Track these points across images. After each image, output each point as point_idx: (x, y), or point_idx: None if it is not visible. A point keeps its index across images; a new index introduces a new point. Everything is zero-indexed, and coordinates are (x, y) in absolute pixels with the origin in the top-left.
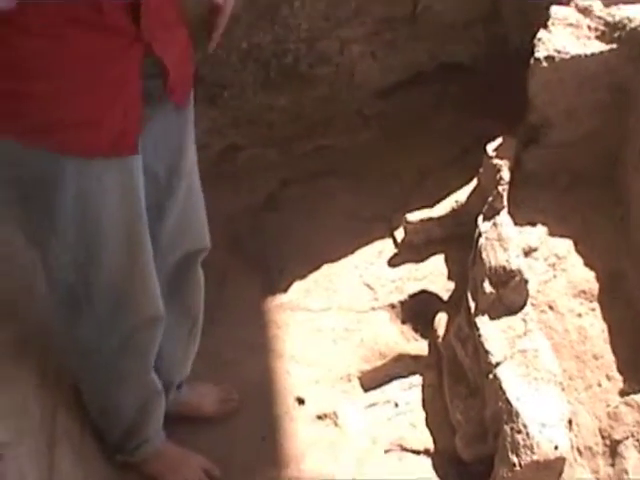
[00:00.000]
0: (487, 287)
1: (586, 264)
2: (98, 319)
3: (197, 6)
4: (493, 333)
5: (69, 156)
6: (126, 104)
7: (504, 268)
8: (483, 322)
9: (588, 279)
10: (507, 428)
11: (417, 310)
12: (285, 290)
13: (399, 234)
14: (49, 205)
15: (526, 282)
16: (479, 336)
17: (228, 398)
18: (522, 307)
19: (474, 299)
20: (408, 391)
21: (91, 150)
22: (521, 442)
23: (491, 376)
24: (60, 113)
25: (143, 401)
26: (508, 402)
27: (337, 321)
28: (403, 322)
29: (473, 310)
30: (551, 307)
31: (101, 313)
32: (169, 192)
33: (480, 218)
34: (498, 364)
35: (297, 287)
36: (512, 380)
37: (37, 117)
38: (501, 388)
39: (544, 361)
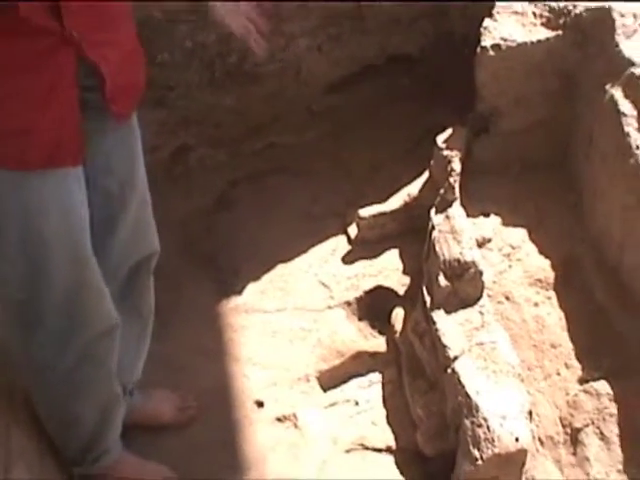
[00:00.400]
0: (442, 280)
1: (541, 252)
2: (52, 336)
3: None
4: (450, 327)
5: (2, 169)
6: (60, 113)
7: (458, 261)
8: (439, 316)
9: (543, 267)
10: (467, 422)
11: (373, 306)
12: (240, 292)
13: (352, 230)
14: None
15: (481, 274)
16: (436, 330)
17: (186, 405)
18: (478, 299)
19: (429, 293)
20: (368, 389)
21: (24, 162)
22: (482, 436)
23: (449, 370)
24: None
25: (103, 409)
26: (467, 396)
27: (293, 321)
28: (360, 319)
29: (429, 304)
30: (507, 297)
31: (54, 330)
32: (122, 205)
33: (433, 211)
34: (456, 358)
35: (252, 288)
36: (471, 374)
37: None
38: (460, 382)
39: (502, 353)
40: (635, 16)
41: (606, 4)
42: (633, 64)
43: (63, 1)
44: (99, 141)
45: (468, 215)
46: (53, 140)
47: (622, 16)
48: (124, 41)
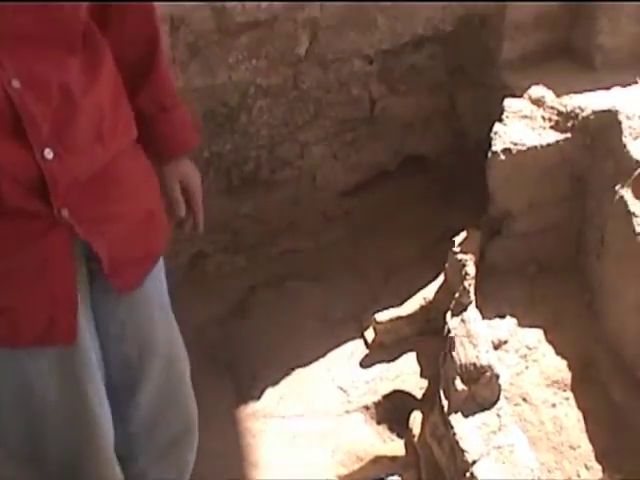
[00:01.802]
0: (459, 384)
1: (557, 353)
2: None
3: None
4: (468, 431)
5: None
6: (53, 290)
7: (474, 365)
8: (457, 420)
9: (560, 368)
10: None
11: (391, 410)
12: (258, 397)
13: (369, 334)
14: None
15: (497, 377)
16: (454, 434)
17: None
18: (495, 402)
19: (447, 397)
20: None
21: (13, 341)
22: None
23: (468, 474)
24: None
25: None
26: None
27: (312, 426)
28: (378, 423)
29: (446, 408)
30: (525, 399)
31: None
32: (141, 371)
33: (448, 314)
34: (475, 462)
35: (270, 393)
36: (490, 478)
37: None
38: None
39: (521, 456)
40: None
41: (613, 107)
42: None
43: (50, 183)
44: (112, 309)
45: (484, 317)
46: (43, 319)
47: (628, 118)
48: (131, 212)
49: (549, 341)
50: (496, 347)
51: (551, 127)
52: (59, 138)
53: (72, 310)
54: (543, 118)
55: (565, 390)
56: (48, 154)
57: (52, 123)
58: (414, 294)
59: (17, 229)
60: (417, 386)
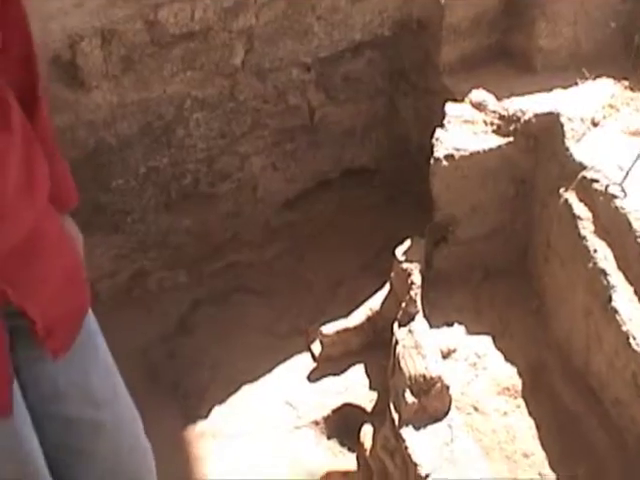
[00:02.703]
0: (409, 397)
1: (507, 359)
2: None
3: None
4: (420, 443)
5: None
6: None
7: (424, 376)
8: (408, 433)
9: (510, 375)
10: None
11: (342, 424)
12: (206, 416)
13: (316, 348)
14: None
15: (447, 388)
16: (406, 448)
17: None
18: (446, 413)
19: (397, 410)
20: None
21: None
22: None
23: None
24: None
25: None
26: None
27: (262, 444)
28: (329, 438)
29: (397, 421)
30: (476, 408)
31: None
32: (89, 429)
33: (396, 325)
34: (427, 475)
35: (218, 412)
36: None
37: None
38: None
39: (474, 467)
40: (583, 120)
41: (554, 109)
42: (584, 168)
43: None
44: (39, 369)
45: (432, 325)
46: None
47: (570, 120)
48: (58, 270)
49: (498, 348)
50: (445, 356)
51: (493, 131)
52: None
53: (7, 383)
54: (485, 122)
55: (516, 397)
56: None
57: None
58: (360, 305)
59: None
60: (367, 399)
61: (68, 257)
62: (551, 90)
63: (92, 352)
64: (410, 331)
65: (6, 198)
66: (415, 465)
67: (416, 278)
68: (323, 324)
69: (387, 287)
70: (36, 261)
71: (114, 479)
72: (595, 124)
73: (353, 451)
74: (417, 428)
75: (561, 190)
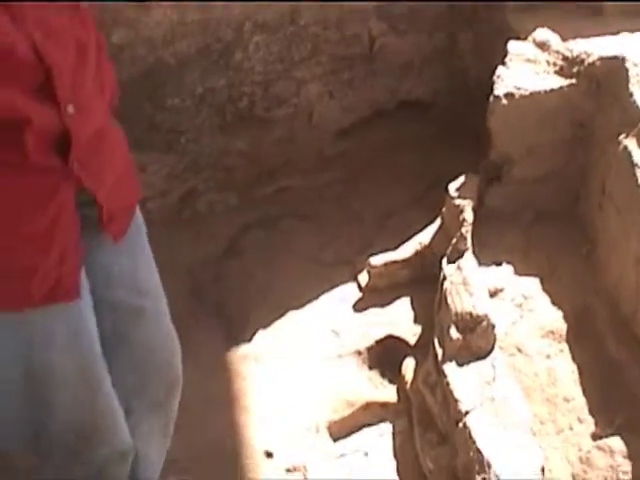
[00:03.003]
0: (454, 333)
1: (553, 303)
2: (65, 457)
3: None
4: (462, 380)
5: (3, 310)
6: (61, 250)
7: (470, 314)
8: (451, 369)
9: (556, 319)
10: (479, 478)
11: (384, 356)
12: (249, 340)
13: (363, 278)
14: None
15: (493, 327)
16: (447, 384)
17: None
18: (490, 352)
19: (441, 345)
20: (378, 440)
21: (25, 302)
22: None
23: (461, 425)
24: None
25: None
26: (479, 452)
27: (304, 370)
28: (370, 368)
29: (440, 356)
30: (520, 349)
31: (67, 452)
32: (131, 316)
33: (444, 260)
34: (468, 412)
35: (262, 336)
36: (483, 428)
37: None
38: (471, 437)
39: (514, 408)
40: None
41: (620, 53)
42: None
43: (74, 139)
44: (97, 256)
45: (480, 264)
46: (54, 277)
47: (635, 65)
48: (117, 163)
49: (545, 291)
50: (492, 295)
51: (555, 72)
52: (75, 94)
53: (78, 267)
54: (547, 62)
55: (560, 342)
56: (70, 110)
57: (71, 78)
58: (409, 238)
59: (34, 187)
60: (410, 332)
61: (124, 152)
62: (617, 34)
63: (139, 245)
64: (459, 268)
65: (86, 92)
66: (455, 401)
67: (468, 215)
68: (371, 255)
69: (437, 222)
70: (102, 152)
71: (149, 361)
72: None
73: (393, 383)
74: (460, 365)
75: (621, 136)
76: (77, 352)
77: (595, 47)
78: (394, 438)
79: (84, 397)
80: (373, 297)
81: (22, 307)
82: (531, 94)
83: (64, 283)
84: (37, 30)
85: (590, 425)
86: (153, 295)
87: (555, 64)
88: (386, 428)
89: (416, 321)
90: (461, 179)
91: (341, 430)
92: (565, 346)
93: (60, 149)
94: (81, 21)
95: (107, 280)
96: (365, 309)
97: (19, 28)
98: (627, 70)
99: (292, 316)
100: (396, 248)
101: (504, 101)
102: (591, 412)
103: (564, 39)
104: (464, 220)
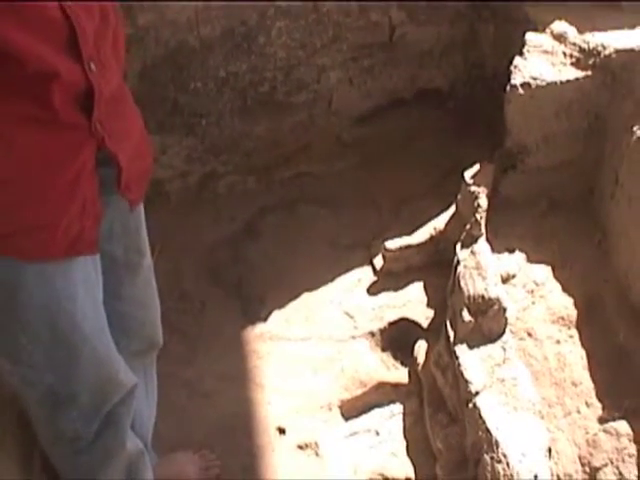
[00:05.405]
0: (466, 316)
1: (564, 290)
2: (83, 410)
3: None
4: (472, 362)
5: (28, 261)
6: (83, 202)
7: (482, 297)
8: (462, 351)
9: (566, 305)
10: (487, 457)
11: (397, 338)
12: (265, 319)
13: (378, 262)
14: (16, 307)
15: (505, 310)
16: (458, 365)
17: (209, 464)
18: (501, 335)
19: (453, 327)
20: (389, 419)
21: (49, 253)
22: (501, 472)
23: (471, 405)
24: (16, 220)
25: (129, 468)
26: (488, 431)
27: (317, 350)
28: (383, 350)
29: (452, 339)
30: (530, 334)
31: (86, 404)
32: (127, 270)
33: (458, 246)
34: (477, 393)
35: (277, 316)
36: (492, 409)
37: None
38: (481, 417)
39: (523, 390)
40: None
41: (636, 46)
42: None
43: (97, 93)
44: (105, 210)
45: (493, 250)
46: (77, 229)
47: None
48: (135, 130)
49: (557, 278)
50: (504, 281)
51: (572, 64)
52: (98, 53)
53: (98, 221)
54: (564, 54)
55: (570, 327)
56: (93, 67)
57: (94, 38)
58: (424, 224)
59: (62, 142)
60: (423, 315)
61: (141, 120)
62: (634, 28)
63: (142, 211)
64: (472, 252)
65: (106, 52)
66: (466, 382)
67: (482, 202)
68: (386, 239)
69: (452, 209)
70: (122, 117)
71: (136, 317)
72: None
73: (405, 365)
74: (471, 347)
75: (635, 128)
76: (92, 303)
77: (611, 40)
78: (404, 418)
79: (101, 348)
80: (387, 280)
81: (48, 258)
82: (547, 84)
83: (85, 236)
84: None
85: (597, 409)
86: (146, 254)
87: (572, 56)
88: (397, 408)
89: (429, 304)
90: (476, 167)
91: (353, 409)
92: (575, 332)
93: (84, 108)
94: None
95: (109, 235)
96: (379, 292)
97: None
98: None
99: (307, 297)
100: (411, 233)
101: (520, 91)
102: (599, 396)
103: (581, 32)
104: (478, 206)
